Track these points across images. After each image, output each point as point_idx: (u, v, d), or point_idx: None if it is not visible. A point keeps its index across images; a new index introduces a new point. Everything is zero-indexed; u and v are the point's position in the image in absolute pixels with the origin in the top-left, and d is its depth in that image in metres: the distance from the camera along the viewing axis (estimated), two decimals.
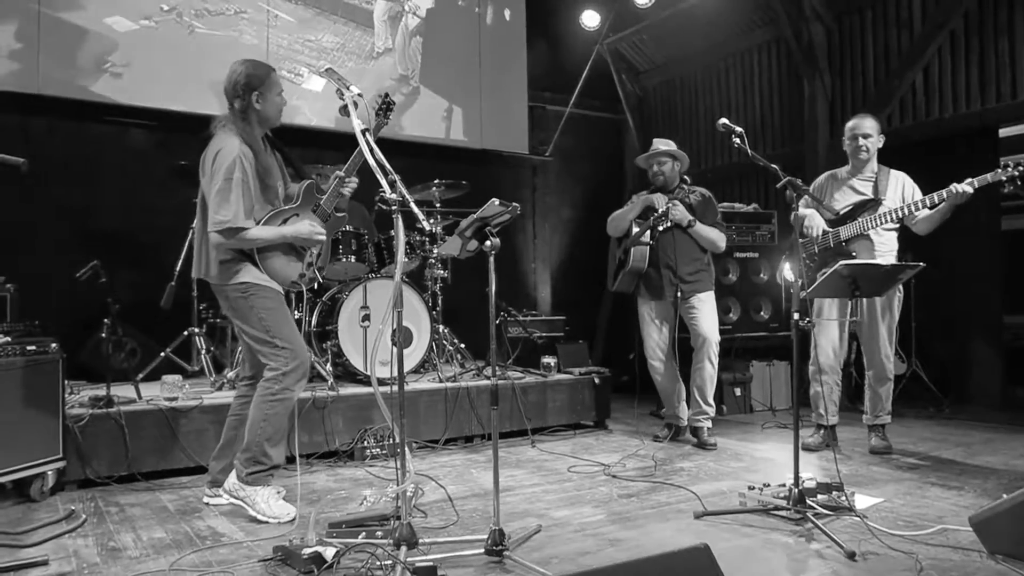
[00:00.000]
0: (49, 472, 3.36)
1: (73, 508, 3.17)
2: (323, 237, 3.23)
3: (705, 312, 4.61)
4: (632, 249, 4.62)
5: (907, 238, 4.28)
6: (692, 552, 1.63)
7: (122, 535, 2.86)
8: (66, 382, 3.49)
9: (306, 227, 3.18)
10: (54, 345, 3.38)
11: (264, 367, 3.17)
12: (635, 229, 4.65)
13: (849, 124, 4.30)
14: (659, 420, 5.00)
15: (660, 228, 4.58)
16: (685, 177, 4.73)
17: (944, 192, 3.82)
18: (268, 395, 3.07)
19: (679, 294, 4.57)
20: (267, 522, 2.99)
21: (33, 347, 3.28)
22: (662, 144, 4.73)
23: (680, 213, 4.53)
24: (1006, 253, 6.38)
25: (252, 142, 3.11)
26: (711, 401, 4.68)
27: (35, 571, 2.47)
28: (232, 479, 3.13)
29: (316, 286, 3.40)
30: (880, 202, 4.11)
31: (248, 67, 3.17)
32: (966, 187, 3.73)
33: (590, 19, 7.63)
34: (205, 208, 3.08)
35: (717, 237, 4.61)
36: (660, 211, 4.58)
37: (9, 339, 3.22)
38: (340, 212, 3.46)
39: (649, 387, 4.89)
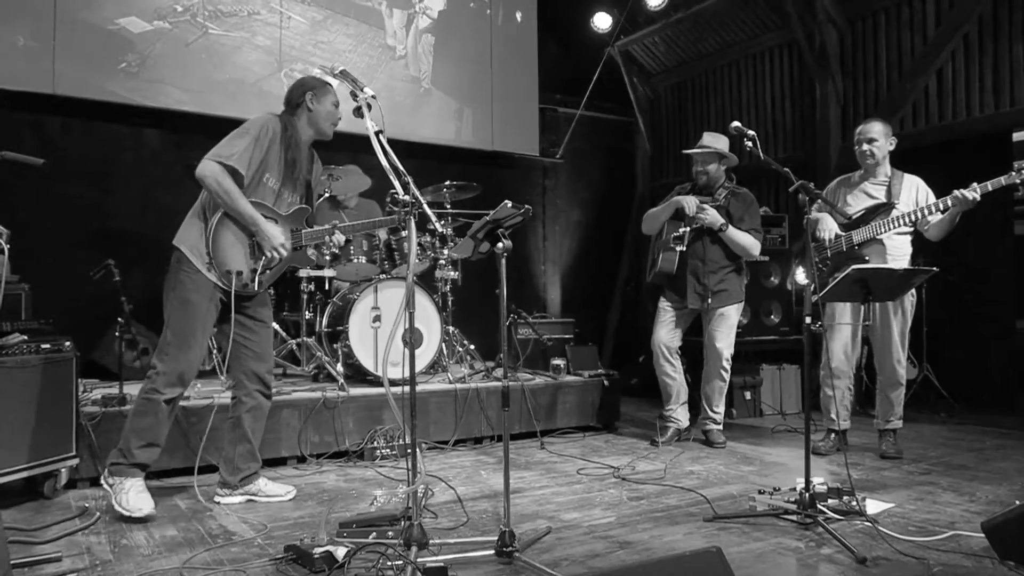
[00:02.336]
0: (62, 470, 3.38)
1: (86, 505, 3.19)
2: (285, 253, 3.19)
3: (723, 328, 4.57)
4: (662, 253, 4.61)
5: (919, 242, 4.27)
6: (704, 555, 1.63)
7: (134, 533, 2.88)
8: (79, 380, 3.51)
9: (278, 232, 3.16)
10: (68, 344, 3.40)
11: (243, 368, 3.24)
12: (668, 228, 4.63)
13: (857, 128, 4.30)
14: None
15: (678, 249, 4.53)
16: (731, 175, 4.69)
17: (949, 199, 3.82)
18: (142, 390, 3.06)
19: (702, 304, 4.56)
20: (123, 514, 2.96)
21: (47, 345, 3.30)
22: (711, 140, 4.61)
23: (711, 217, 4.46)
24: (1019, 257, 6.34)
25: (291, 129, 3.15)
26: (718, 409, 4.67)
27: (48, 568, 2.49)
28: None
29: (255, 291, 3.27)
30: (893, 206, 4.09)
31: (303, 78, 3.36)
32: (971, 193, 3.73)
33: (602, 21, 7.64)
34: None
35: (750, 244, 4.50)
36: (679, 232, 4.53)
37: (24, 337, 3.24)
38: (310, 254, 3.52)
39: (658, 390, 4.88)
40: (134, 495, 3.00)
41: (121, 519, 2.98)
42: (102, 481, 3.09)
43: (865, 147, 4.20)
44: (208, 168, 2.99)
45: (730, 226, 4.48)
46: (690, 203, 4.50)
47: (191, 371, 3.11)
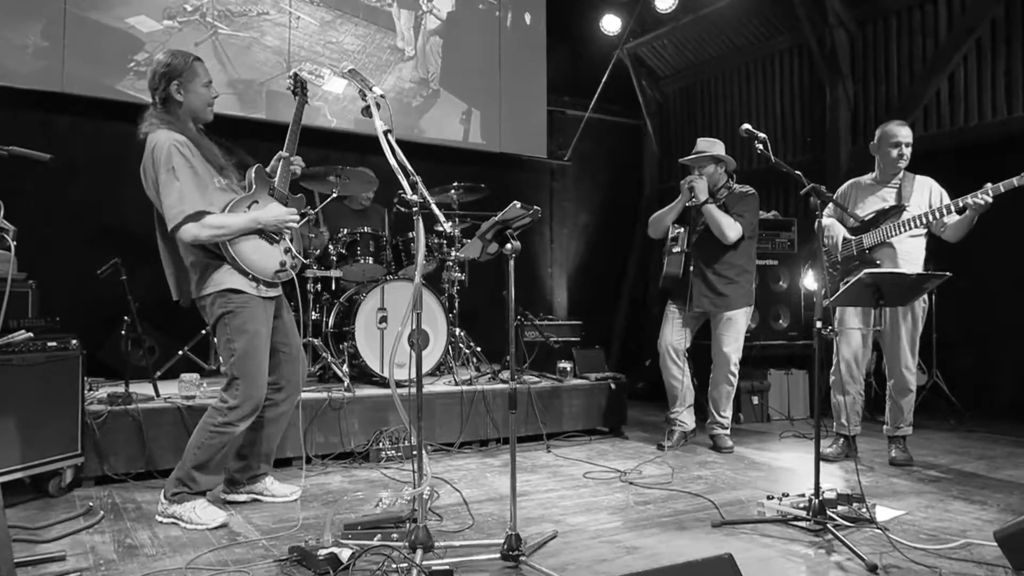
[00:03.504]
0: (67, 468, 3.38)
1: (91, 504, 3.18)
2: (296, 219, 3.12)
3: (731, 332, 4.54)
4: (667, 257, 4.59)
5: (932, 245, 4.22)
6: (716, 562, 1.61)
7: (139, 532, 2.87)
8: (85, 379, 3.51)
9: (277, 209, 3.07)
10: (74, 342, 3.39)
11: (283, 373, 3.19)
12: (672, 233, 4.61)
13: (887, 130, 4.18)
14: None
15: (675, 251, 4.54)
16: (732, 176, 4.65)
17: (961, 201, 3.78)
18: (210, 424, 2.98)
19: (709, 308, 4.53)
20: (198, 528, 2.90)
21: (54, 343, 3.30)
22: (706, 146, 4.59)
23: (700, 186, 4.46)
24: None
25: (182, 130, 2.99)
26: (725, 413, 4.63)
27: (52, 567, 2.47)
28: (161, 497, 3.03)
29: (299, 271, 3.18)
30: (903, 208, 4.05)
31: (167, 57, 3.06)
32: (981, 198, 3.70)
33: (611, 24, 7.62)
34: (163, 223, 2.94)
35: (726, 224, 4.41)
36: (674, 234, 4.56)
37: (30, 335, 3.23)
38: (297, 194, 3.36)
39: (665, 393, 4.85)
40: (201, 511, 2.95)
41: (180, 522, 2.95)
42: (160, 518, 2.98)
43: (904, 151, 4.13)
44: (190, 232, 2.86)
45: (711, 202, 4.45)
46: (688, 178, 4.53)
47: (263, 397, 3.06)
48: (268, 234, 3.07)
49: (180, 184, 2.88)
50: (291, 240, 3.16)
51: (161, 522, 2.98)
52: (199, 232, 2.88)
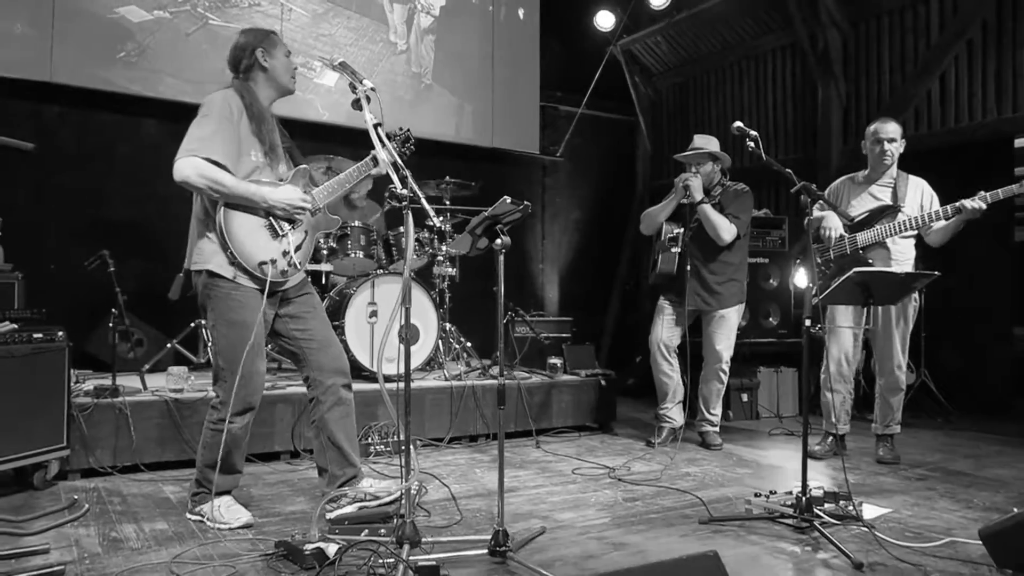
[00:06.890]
0: (53, 460, 3.35)
1: (76, 497, 3.16)
2: (308, 207, 2.93)
3: (723, 331, 4.55)
4: (661, 255, 4.58)
5: (919, 246, 4.24)
6: (701, 559, 1.61)
7: (124, 526, 2.85)
8: (72, 371, 3.48)
9: (291, 191, 2.90)
10: (60, 333, 3.36)
11: (312, 364, 3.04)
12: (665, 231, 4.60)
13: (872, 127, 4.20)
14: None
15: (674, 250, 4.52)
16: (726, 173, 4.65)
17: (950, 208, 3.80)
18: (208, 421, 2.91)
19: (703, 305, 4.53)
20: (223, 528, 2.83)
21: (39, 335, 3.27)
22: (703, 142, 4.57)
23: (695, 184, 4.44)
24: (1018, 263, 6.33)
25: (249, 96, 2.92)
26: (715, 411, 4.64)
27: (36, 559, 2.45)
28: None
29: (296, 273, 2.99)
30: (899, 209, 4.04)
31: (242, 34, 3.04)
32: (978, 203, 3.70)
33: (604, 20, 7.62)
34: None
35: (722, 226, 4.40)
36: (673, 233, 4.54)
37: (16, 326, 3.21)
38: (334, 214, 3.23)
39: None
40: (225, 509, 2.87)
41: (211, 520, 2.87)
42: (189, 515, 2.93)
43: (886, 146, 4.12)
44: (185, 168, 2.72)
45: (707, 202, 4.44)
46: (683, 175, 4.51)
47: (256, 393, 2.92)
48: (275, 226, 2.89)
49: (210, 128, 2.78)
50: (297, 247, 2.97)
51: (189, 519, 2.93)
52: (192, 173, 2.71)
